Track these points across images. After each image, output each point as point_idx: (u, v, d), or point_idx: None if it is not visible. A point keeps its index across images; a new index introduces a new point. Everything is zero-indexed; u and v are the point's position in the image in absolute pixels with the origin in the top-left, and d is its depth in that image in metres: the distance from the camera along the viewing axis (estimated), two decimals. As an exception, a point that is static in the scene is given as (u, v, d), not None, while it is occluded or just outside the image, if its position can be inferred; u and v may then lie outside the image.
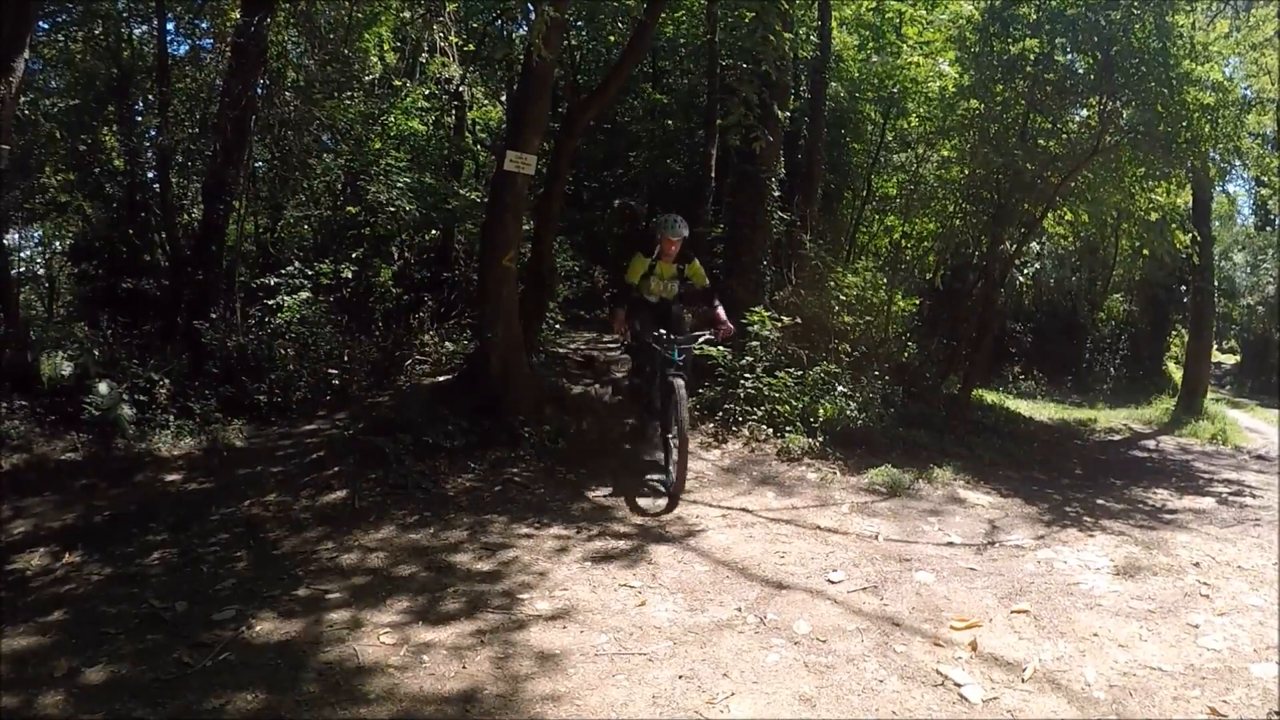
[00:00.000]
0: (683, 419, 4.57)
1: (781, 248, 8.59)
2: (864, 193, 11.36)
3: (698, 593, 3.36)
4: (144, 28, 8.66)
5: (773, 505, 4.75)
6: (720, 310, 5.34)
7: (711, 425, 6.16)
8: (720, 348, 6.82)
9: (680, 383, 4.69)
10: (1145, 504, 5.52)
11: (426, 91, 9.86)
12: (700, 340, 5.23)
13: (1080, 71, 7.72)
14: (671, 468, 4.74)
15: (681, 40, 10.98)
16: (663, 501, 4.62)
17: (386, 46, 10.18)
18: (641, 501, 4.65)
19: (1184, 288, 17.20)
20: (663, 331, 4.99)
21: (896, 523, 4.49)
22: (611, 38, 10.77)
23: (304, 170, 8.79)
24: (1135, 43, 7.05)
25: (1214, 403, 13.34)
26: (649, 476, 5.08)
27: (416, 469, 4.79)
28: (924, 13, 10.47)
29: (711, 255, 9.31)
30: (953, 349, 9.00)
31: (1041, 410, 11.87)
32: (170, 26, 8.55)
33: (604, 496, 4.76)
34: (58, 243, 11.30)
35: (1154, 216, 9.06)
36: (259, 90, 7.63)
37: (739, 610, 3.19)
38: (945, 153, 9.54)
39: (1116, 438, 9.89)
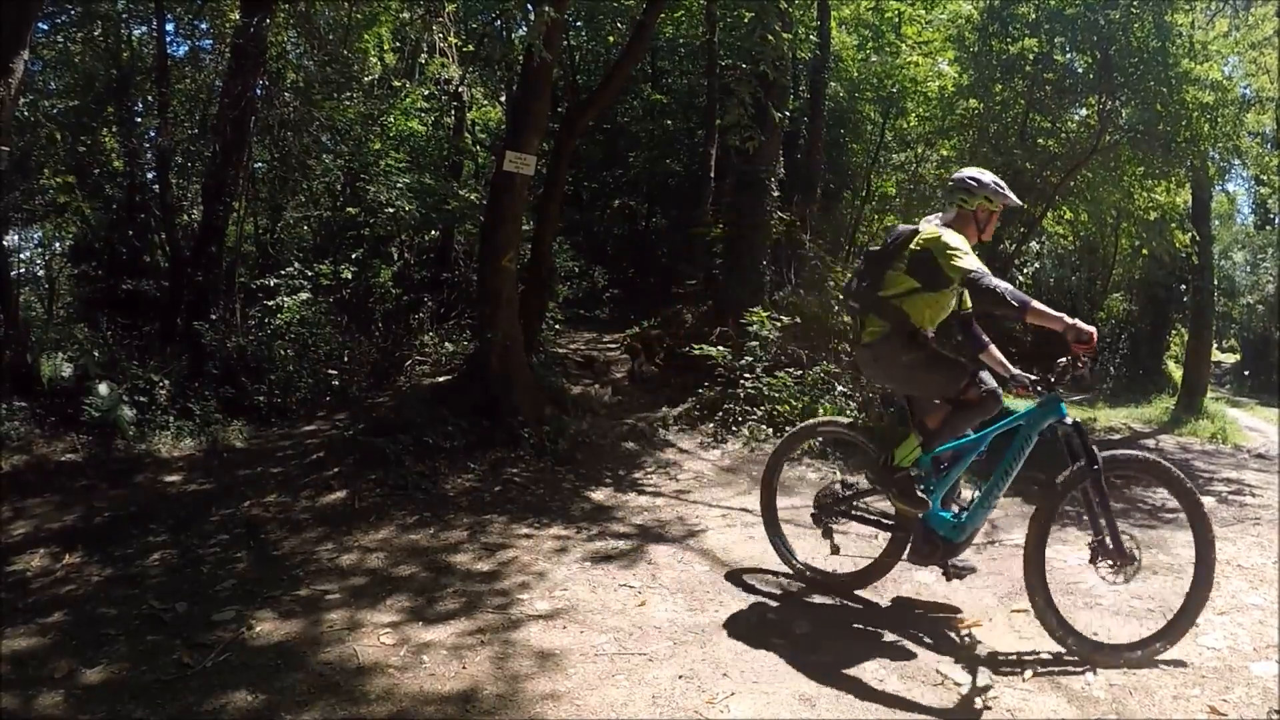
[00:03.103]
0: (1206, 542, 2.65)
1: (781, 247, 8.60)
2: (864, 192, 11.37)
3: (697, 593, 3.36)
4: (143, 29, 8.68)
5: (773, 505, 4.74)
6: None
7: (711, 425, 6.17)
8: (720, 347, 6.82)
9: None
10: (1145, 503, 5.51)
11: (426, 92, 9.87)
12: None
13: (1079, 71, 7.73)
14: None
15: (681, 40, 11.00)
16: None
17: (386, 47, 10.20)
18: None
19: (1184, 287, 17.19)
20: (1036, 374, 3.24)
21: (896, 522, 4.48)
22: (611, 38, 10.79)
23: (304, 171, 8.79)
24: (1134, 42, 7.07)
25: (1214, 402, 13.34)
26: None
27: (416, 469, 4.79)
28: (923, 12, 10.49)
29: (711, 255, 9.33)
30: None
31: (1041, 409, 11.83)
32: (170, 27, 8.57)
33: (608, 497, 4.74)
34: (58, 244, 11.28)
35: (1153, 215, 9.08)
36: (258, 91, 7.64)
37: (739, 610, 3.19)
38: (945, 152, 9.56)
39: (1116, 437, 9.88)
